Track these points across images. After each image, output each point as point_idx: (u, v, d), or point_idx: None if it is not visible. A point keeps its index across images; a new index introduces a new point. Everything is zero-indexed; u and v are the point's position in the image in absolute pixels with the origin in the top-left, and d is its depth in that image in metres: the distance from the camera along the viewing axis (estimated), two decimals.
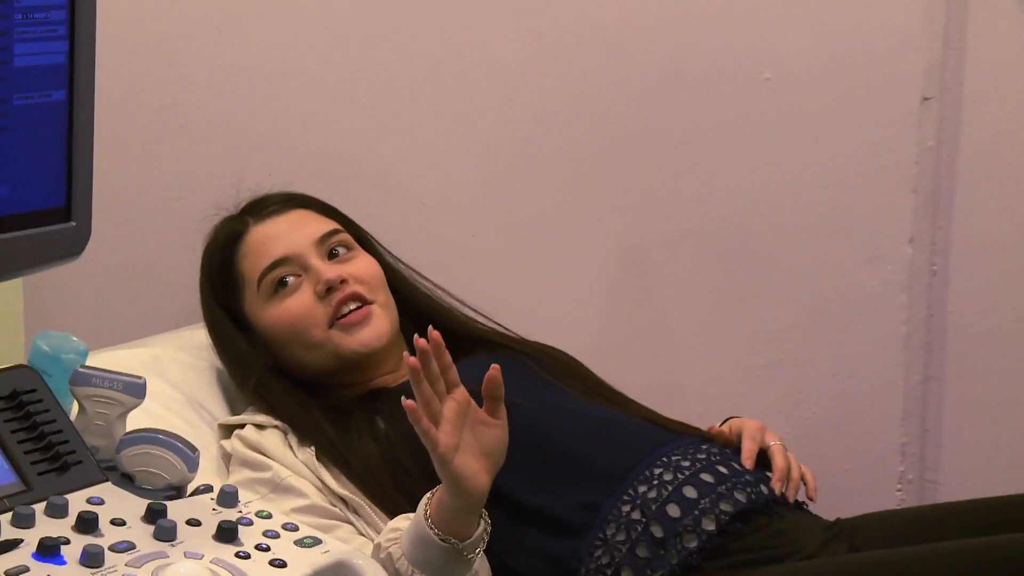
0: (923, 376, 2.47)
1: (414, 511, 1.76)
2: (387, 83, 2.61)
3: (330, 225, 2.06)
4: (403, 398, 1.60)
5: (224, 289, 2.06)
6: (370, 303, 2.00)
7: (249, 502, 1.53)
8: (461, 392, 1.64)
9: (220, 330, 2.06)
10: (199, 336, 2.11)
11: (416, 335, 1.68)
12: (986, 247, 2.45)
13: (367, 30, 2.58)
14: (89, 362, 1.72)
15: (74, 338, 1.80)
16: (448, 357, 1.65)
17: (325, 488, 1.85)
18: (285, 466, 1.86)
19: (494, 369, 1.65)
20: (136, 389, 1.61)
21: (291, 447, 1.89)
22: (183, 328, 2.21)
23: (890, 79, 2.43)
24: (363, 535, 1.80)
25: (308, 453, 1.87)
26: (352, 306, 1.98)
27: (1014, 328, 2.47)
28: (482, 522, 1.65)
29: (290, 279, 1.98)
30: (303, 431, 1.92)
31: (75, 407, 1.62)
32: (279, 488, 1.82)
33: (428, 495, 1.66)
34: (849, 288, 2.49)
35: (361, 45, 2.60)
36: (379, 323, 2.00)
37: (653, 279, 2.58)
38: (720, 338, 2.55)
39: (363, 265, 2.04)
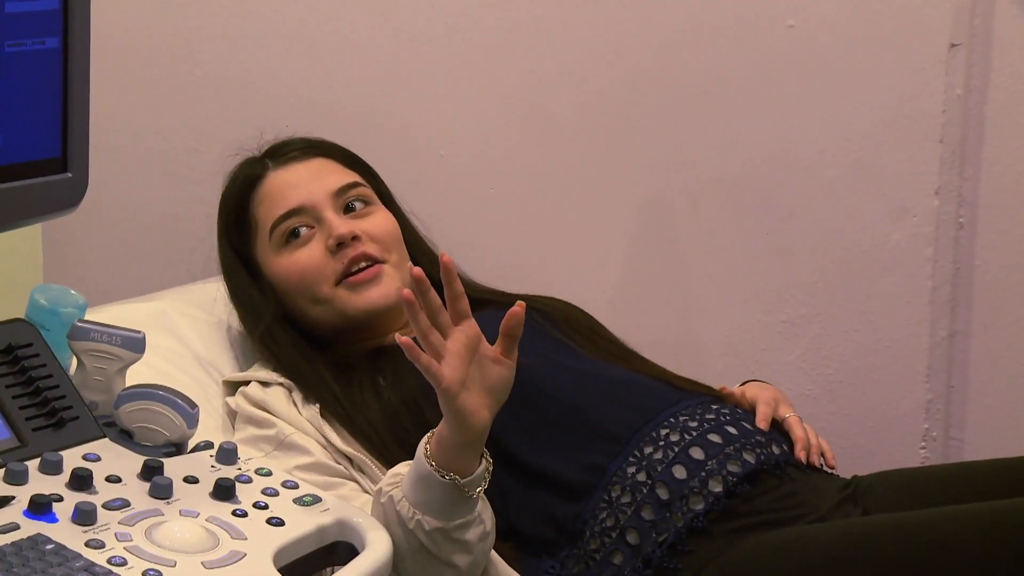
0: (949, 331, 2.45)
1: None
2: (407, 34, 2.60)
3: (350, 177, 2.04)
4: (397, 335, 1.58)
5: (238, 232, 2.05)
6: (381, 262, 1.98)
7: (249, 459, 1.53)
8: (471, 325, 1.62)
9: (232, 273, 2.05)
10: (210, 290, 2.11)
11: (410, 265, 1.72)
12: (1014, 199, 2.42)
13: None
14: (96, 316, 1.72)
15: (73, 292, 1.80)
16: (458, 286, 1.64)
17: (330, 446, 1.84)
18: (290, 423, 1.86)
19: (519, 306, 1.63)
20: (135, 344, 1.62)
21: (296, 404, 1.88)
22: (195, 282, 2.21)
23: (917, 25, 2.40)
24: (367, 493, 1.80)
25: (312, 410, 1.87)
26: (363, 264, 1.97)
27: None
28: (483, 460, 1.64)
29: (303, 230, 1.97)
30: (307, 385, 1.92)
31: (73, 362, 1.64)
32: (283, 445, 1.82)
33: (428, 435, 1.66)
34: (874, 241, 2.47)
35: None
36: (388, 283, 1.98)
37: (674, 232, 2.57)
38: (742, 293, 2.54)
39: (380, 221, 2.02)
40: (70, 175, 1.68)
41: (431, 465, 1.61)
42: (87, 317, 1.73)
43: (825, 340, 2.51)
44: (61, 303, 1.76)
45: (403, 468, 1.70)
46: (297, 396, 1.89)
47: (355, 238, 1.95)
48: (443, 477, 1.60)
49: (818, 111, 2.49)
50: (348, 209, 2.00)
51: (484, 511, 1.68)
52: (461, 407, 1.59)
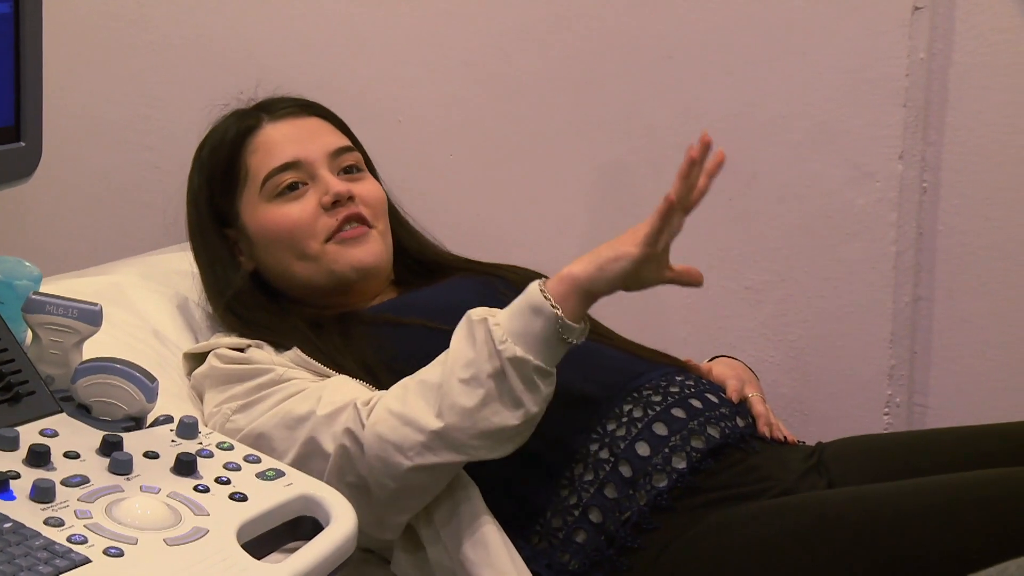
0: (913, 297, 2.46)
1: None
2: (361, 8, 2.60)
3: (345, 141, 2.07)
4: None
5: (223, 183, 2.05)
6: (371, 226, 2.01)
7: (210, 433, 1.53)
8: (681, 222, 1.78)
9: (205, 232, 2.06)
10: (165, 261, 2.12)
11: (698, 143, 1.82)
12: (978, 163, 2.42)
13: None
14: (47, 289, 1.70)
15: (27, 263, 1.79)
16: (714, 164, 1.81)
17: (320, 376, 1.86)
18: (272, 362, 1.87)
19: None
20: (92, 316, 1.60)
21: (271, 351, 1.90)
22: (149, 253, 2.20)
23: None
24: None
25: (292, 353, 1.88)
26: (354, 224, 1.99)
27: (1006, 247, 2.45)
28: (584, 323, 1.69)
29: (299, 185, 2.00)
30: (281, 335, 1.93)
31: (29, 335, 1.63)
32: (283, 381, 1.83)
33: (542, 280, 1.73)
34: (837, 206, 2.47)
35: None
36: (374, 246, 2.02)
37: (636, 198, 2.53)
38: (704, 259, 2.42)
39: (371, 188, 2.06)
40: (23, 144, 1.67)
41: (546, 296, 1.66)
42: (42, 289, 1.71)
43: (788, 306, 2.50)
44: (15, 275, 1.75)
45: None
46: (268, 348, 1.90)
47: (351, 198, 1.97)
48: (554, 308, 1.64)
49: (779, 75, 2.48)
50: (344, 171, 2.04)
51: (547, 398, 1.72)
52: (636, 263, 1.70)
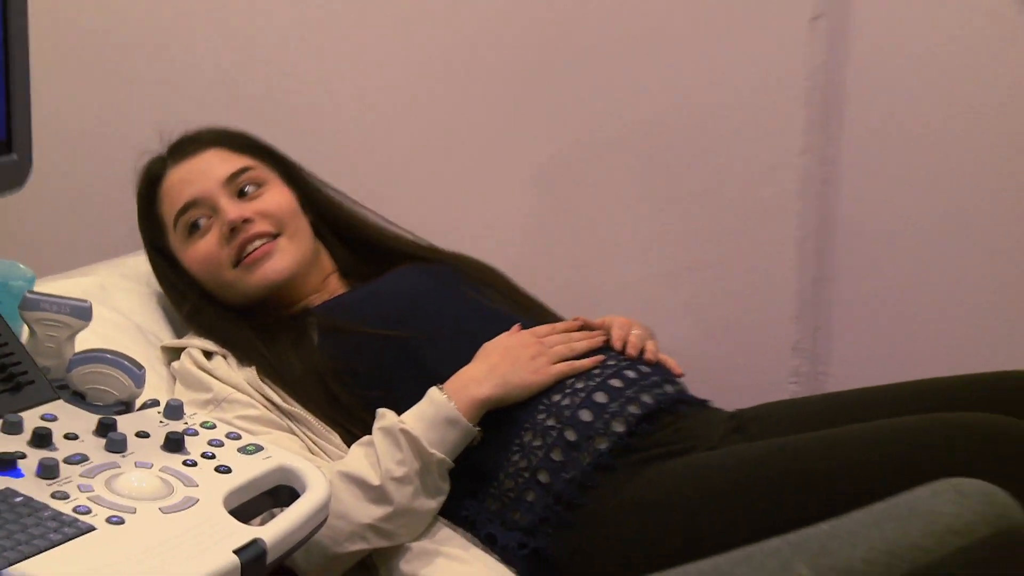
0: (815, 277, 2.54)
1: (345, 418, 1.88)
2: (310, 6, 2.58)
3: (240, 163, 2.07)
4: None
5: (151, 228, 2.08)
6: (276, 237, 2.02)
7: (194, 414, 1.56)
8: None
9: (154, 263, 2.08)
10: (142, 264, 2.14)
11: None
12: (873, 156, 2.51)
13: None
14: (39, 290, 1.73)
15: (21, 265, 1.80)
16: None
17: (270, 404, 1.88)
18: (234, 387, 1.89)
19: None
20: (83, 312, 1.64)
21: (234, 369, 1.92)
22: (127, 255, 2.21)
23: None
24: (306, 441, 1.86)
25: (250, 372, 1.90)
26: (256, 244, 2.01)
27: (899, 232, 2.54)
28: (476, 426, 1.81)
29: (202, 221, 2.01)
30: (239, 349, 1.94)
31: (25, 331, 1.65)
32: (222, 404, 1.86)
33: (438, 388, 1.82)
34: (748, 197, 2.55)
35: None
36: (282, 256, 2.03)
37: (573, 188, 2.62)
38: (632, 247, 2.60)
39: (271, 199, 2.05)
40: (15, 156, 1.67)
41: (455, 408, 1.79)
42: (38, 291, 1.72)
43: (706, 287, 2.58)
44: (11, 276, 1.78)
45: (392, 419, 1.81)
46: (232, 361, 1.92)
47: (246, 220, 1.98)
48: (469, 424, 1.78)
49: (696, 77, 2.56)
50: (242, 193, 2.03)
51: None
52: (526, 389, 1.85)
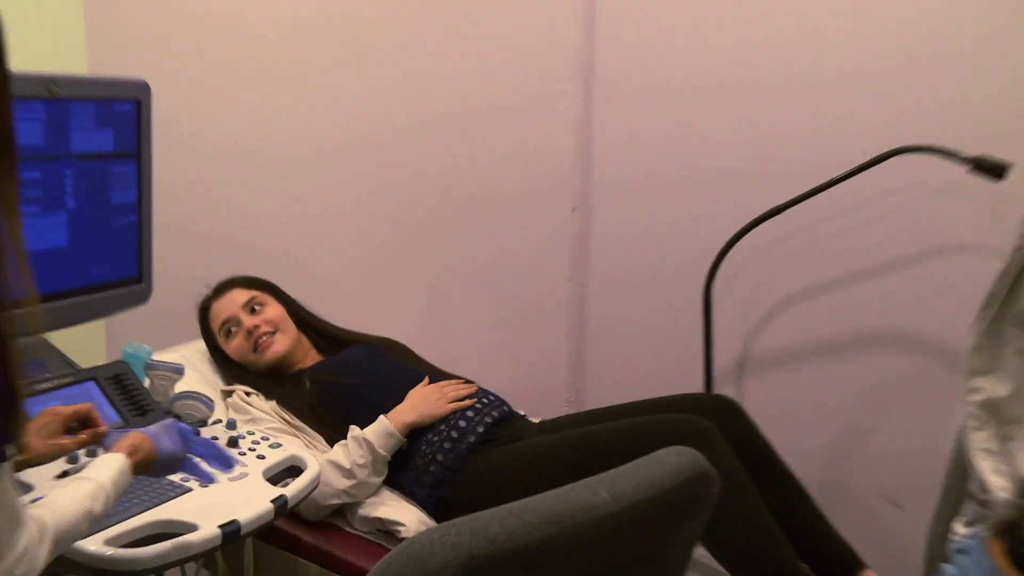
0: (578, 348, 2.72)
1: (328, 431, 2.22)
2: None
3: (251, 295, 2.43)
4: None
5: (207, 332, 2.46)
6: (274, 333, 2.40)
7: (242, 427, 1.90)
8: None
9: (210, 351, 2.46)
10: (202, 345, 2.50)
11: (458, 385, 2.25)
12: (611, 274, 2.64)
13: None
14: (155, 358, 2.10)
15: (145, 345, 2.17)
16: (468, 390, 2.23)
17: (284, 422, 2.24)
18: (262, 411, 2.24)
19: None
20: (179, 370, 2.02)
21: (263, 402, 2.27)
22: (196, 340, 2.52)
23: (552, 198, 2.64)
24: (308, 446, 2.19)
25: (272, 403, 2.26)
26: (264, 338, 2.38)
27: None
28: (404, 436, 2.16)
29: (233, 328, 2.40)
30: (264, 391, 2.30)
31: (147, 381, 2.03)
32: (257, 422, 2.20)
33: (386, 416, 2.15)
34: (544, 293, 2.70)
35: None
36: (278, 345, 2.41)
37: (445, 301, 2.83)
38: (475, 329, 2.81)
39: (270, 313, 2.43)
40: (143, 285, 2.04)
41: (394, 428, 2.13)
42: (153, 358, 2.09)
43: (518, 347, 2.74)
44: (140, 352, 2.13)
45: (359, 433, 2.12)
46: (261, 398, 2.28)
47: (256, 326, 2.38)
48: (401, 436, 2.13)
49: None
50: (253, 311, 2.41)
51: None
52: (433, 417, 2.17)
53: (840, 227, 2.37)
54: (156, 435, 1.50)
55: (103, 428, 1.56)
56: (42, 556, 1.18)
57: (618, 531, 1.16)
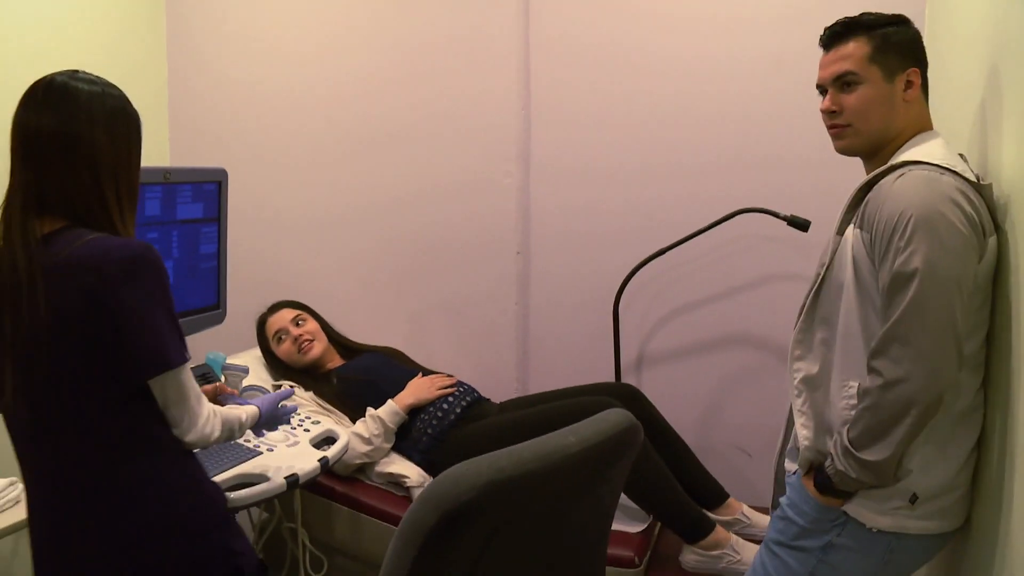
0: (523, 340, 2.68)
1: (351, 412, 2.22)
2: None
3: (295, 312, 2.42)
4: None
5: (263, 341, 2.42)
6: (312, 341, 2.39)
7: (292, 406, 1.88)
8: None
9: (264, 355, 2.43)
10: (258, 352, 2.48)
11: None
12: (546, 299, 2.63)
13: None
14: (229, 362, 2.14)
15: (221, 353, 2.21)
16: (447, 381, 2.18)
17: (321, 406, 2.27)
18: (304, 399, 2.26)
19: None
20: (246, 370, 2.08)
21: (304, 391, 2.29)
22: (254, 348, 2.50)
23: (502, 246, 2.63)
24: (338, 423, 2.19)
25: (310, 394, 2.28)
26: (305, 344, 2.37)
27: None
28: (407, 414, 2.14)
29: (283, 336, 2.38)
30: (304, 385, 2.32)
31: (223, 378, 2.07)
32: (301, 405, 2.22)
33: (393, 400, 2.14)
34: (497, 313, 2.66)
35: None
36: (316, 349, 2.40)
37: (424, 321, 2.76)
38: (447, 340, 2.73)
39: (310, 325, 2.42)
40: (220, 310, 2.07)
41: (399, 408, 2.16)
42: (228, 362, 2.14)
43: (478, 343, 2.69)
44: (218, 358, 2.19)
45: (379, 413, 2.12)
46: (301, 390, 2.30)
47: (300, 335, 2.39)
48: (404, 413, 2.16)
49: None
50: (297, 324, 2.40)
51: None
52: (426, 400, 2.18)
53: (704, 263, 2.47)
54: (262, 403, 1.60)
55: (231, 391, 1.69)
56: (216, 427, 1.34)
57: (580, 465, 1.17)
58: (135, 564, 1.25)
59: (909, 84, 1.39)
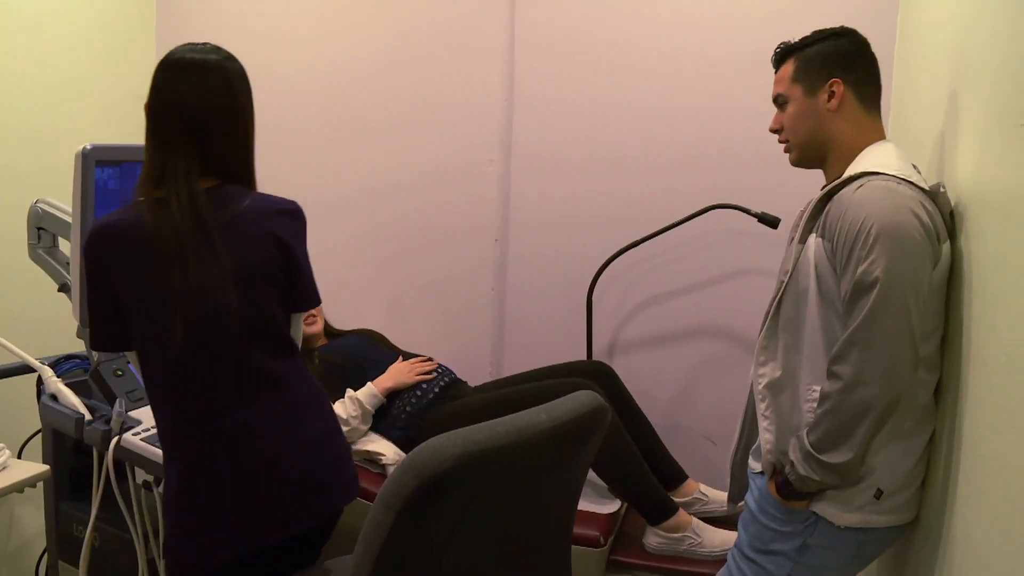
0: (498, 327, 2.69)
1: (336, 397, 2.19)
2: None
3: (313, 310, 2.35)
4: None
5: None
6: (316, 317, 2.42)
7: None
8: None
9: None
10: None
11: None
12: (522, 285, 2.62)
13: None
14: None
15: None
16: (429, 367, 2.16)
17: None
18: None
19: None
20: None
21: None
22: None
23: (481, 232, 2.65)
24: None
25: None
26: (310, 319, 2.40)
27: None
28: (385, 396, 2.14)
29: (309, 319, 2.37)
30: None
31: None
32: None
33: (373, 383, 2.15)
34: (475, 297, 2.67)
35: None
36: (319, 324, 2.45)
37: (405, 304, 2.76)
38: (426, 323, 2.73)
39: (320, 317, 2.46)
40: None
41: (377, 391, 2.16)
42: None
43: (458, 327, 2.68)
44: None
45: (358, 395, 2.12)
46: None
47: (315, 322, 2.41)
48: (382, 396, 2.16)
49: (440, 269, 2.66)
50: (310, 316, 2.38)
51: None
52: (405, 384, 2.16)
53: (676, 256, 2.51)
54: None
55: None
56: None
57: (551, 441, 1.19)
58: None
59: (832, 95, 1.45)
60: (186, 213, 1.36)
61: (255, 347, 1.40)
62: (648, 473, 2.06)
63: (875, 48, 1.49)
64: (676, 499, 2.15)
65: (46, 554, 2.05)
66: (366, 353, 2.38)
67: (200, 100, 1.37)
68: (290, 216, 1.46)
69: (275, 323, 1.43)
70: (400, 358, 2.38)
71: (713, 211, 2.35)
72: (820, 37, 1.48)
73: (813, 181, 1.55)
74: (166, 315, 1.36)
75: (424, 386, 2.28)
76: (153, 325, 1.37)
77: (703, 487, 2.21)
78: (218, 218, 1.38)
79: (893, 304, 1.26)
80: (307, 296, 1.50)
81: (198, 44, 1.43)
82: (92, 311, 1.41)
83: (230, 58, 1.43)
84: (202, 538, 1.36)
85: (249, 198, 1.42)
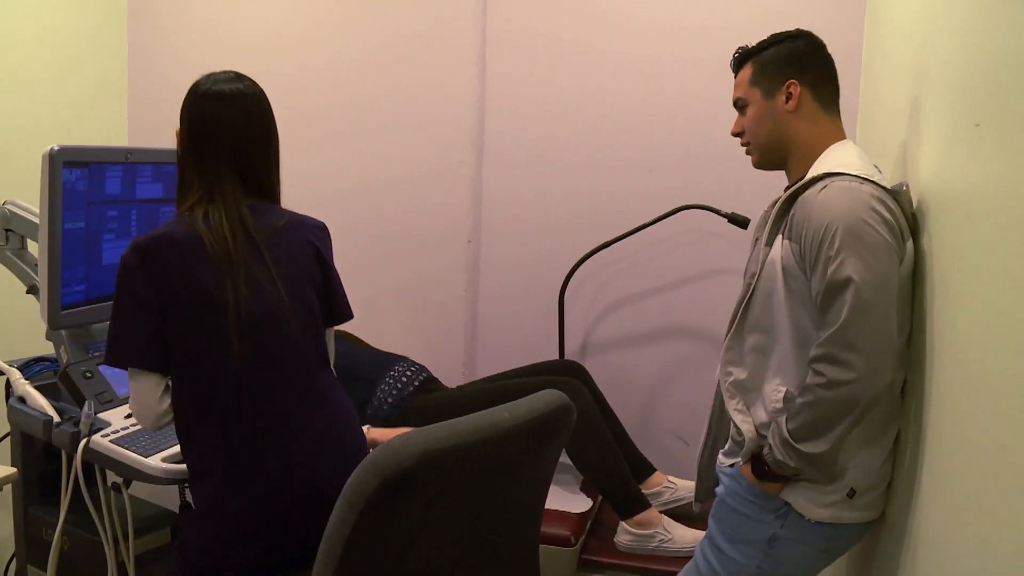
0: (472, 329, 2.70)
1: None
2: None
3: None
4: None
5: None
6: None
7: None
8: None
9: None
10: None
11: None
12: (494, 286, 2.65)
13: None
14: None
15: None
16: None
17: None
18: None
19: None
20: None
21: None
22: None
23: (454, 234, 2.65)
24: None
25: None
26: None
27: (509, 316, 2.62)
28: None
29: None
30: None
31: None
32: None
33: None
34: (448, 298, 2.67)
35: None
36: None
37: (378, 306, 2.74)
38: (399, 323, 2.74)
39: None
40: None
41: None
42: None
43: (427, 333, 2.69)
44: None
45: None
46: None
47: None
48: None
49: (412, 269, 2.66)
50: None
51: None
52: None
53: (648, 256, 2.53)
54: None
55: None
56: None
57: (514, 440, 1.21)
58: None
59: (789, 96, 1.48)
60: (236, 226, 1.45)
61: (310, 352, 1.47)
62: (624, 465, 2.08)
63: (842, 57, 1.53)
64: (644, 491, 2.16)
65: (15, 558, 2.06)
66: (351, 355, 2.37)
67: (244, 125, 1.48)
68: (323, 231, 1.57)
69: (321, 331, 1.52)
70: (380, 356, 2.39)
71: (684, 212, 2.38)
72: (776, 40, 1.51)
73: (783, 181, 1.57)
74: (221, 324, 1.40)
75: (404, 378, 2.27)
76: (206, 336, 1.40)
77: (671, 477, 2.23)
78: (263, 231, 1.47)
79: (870, 301, 1.27)
80: (341, 310, 1.58)
81: (220, 74, 1.52)
82: (130, 324, 1.41)
83: (255, 84, 1.54)
84: (227, 547, 1.38)
85: (286, 213, 1.52)
